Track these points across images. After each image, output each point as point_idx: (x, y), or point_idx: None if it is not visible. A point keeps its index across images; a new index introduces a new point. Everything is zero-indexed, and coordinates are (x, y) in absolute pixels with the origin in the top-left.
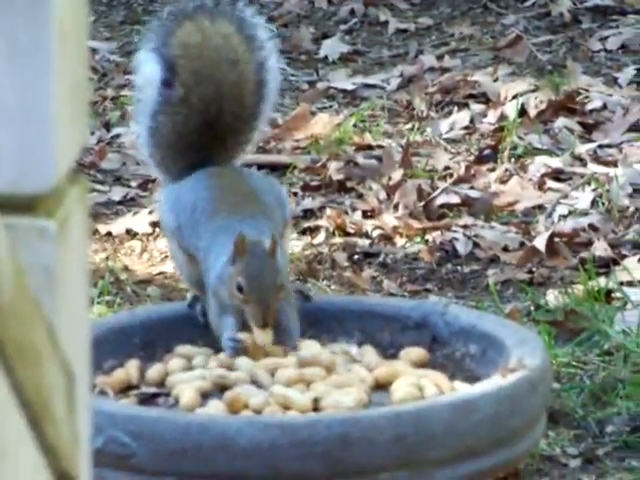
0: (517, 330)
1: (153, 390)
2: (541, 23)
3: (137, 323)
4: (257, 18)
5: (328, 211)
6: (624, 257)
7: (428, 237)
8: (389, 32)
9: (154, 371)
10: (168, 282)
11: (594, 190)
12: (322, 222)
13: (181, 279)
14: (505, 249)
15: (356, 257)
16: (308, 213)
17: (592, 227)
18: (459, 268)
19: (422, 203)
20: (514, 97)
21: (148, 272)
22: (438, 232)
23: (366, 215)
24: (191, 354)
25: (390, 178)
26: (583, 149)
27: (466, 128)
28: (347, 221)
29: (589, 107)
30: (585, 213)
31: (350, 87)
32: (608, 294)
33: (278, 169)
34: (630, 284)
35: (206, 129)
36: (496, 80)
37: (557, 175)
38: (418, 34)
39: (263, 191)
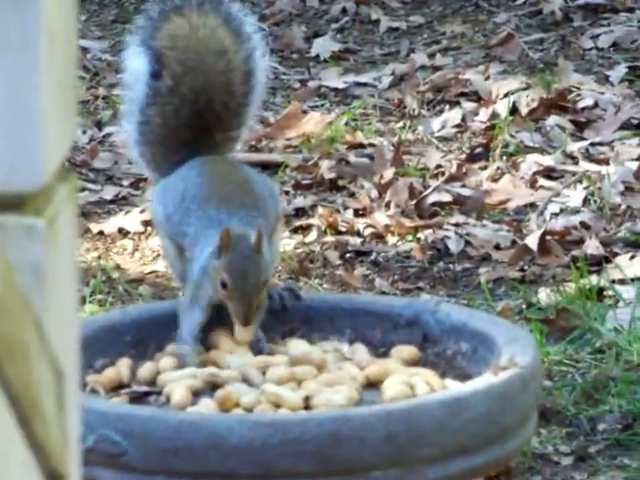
0: (508, 328)
1: (144, 389)
2: (532, 21)
3: (128, 322)
4: (244, 12)
5: (320, 210)
6: (616, 255)
7: (420, 235)
8: (381, 30)
9: (145, 370)
10: (160, 281)
11: (586, 188)
12: (314, 221)
13: (173, 277)
14: (497, 247)
15: (348, 255)
16: (300, 212)
17: (584, 225)
18: (451, 266)
19: (414, 201)
20: (506, 95)
21: (140, 271)
22: (430, 230)
23: (358, 213)
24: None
25: (382, 176)
26: (575, 147)
27: (458, 126)
28: (339, 219)
29: (581, 105)
30: (577, 211)
31: (342, 85)
32: (600, 292)
33: (270, 168)
34: (622, 282)
35: (196, 121)
36: (488, 78)
37: (549, 173)
38: (410, 32)
39: (256, 182)
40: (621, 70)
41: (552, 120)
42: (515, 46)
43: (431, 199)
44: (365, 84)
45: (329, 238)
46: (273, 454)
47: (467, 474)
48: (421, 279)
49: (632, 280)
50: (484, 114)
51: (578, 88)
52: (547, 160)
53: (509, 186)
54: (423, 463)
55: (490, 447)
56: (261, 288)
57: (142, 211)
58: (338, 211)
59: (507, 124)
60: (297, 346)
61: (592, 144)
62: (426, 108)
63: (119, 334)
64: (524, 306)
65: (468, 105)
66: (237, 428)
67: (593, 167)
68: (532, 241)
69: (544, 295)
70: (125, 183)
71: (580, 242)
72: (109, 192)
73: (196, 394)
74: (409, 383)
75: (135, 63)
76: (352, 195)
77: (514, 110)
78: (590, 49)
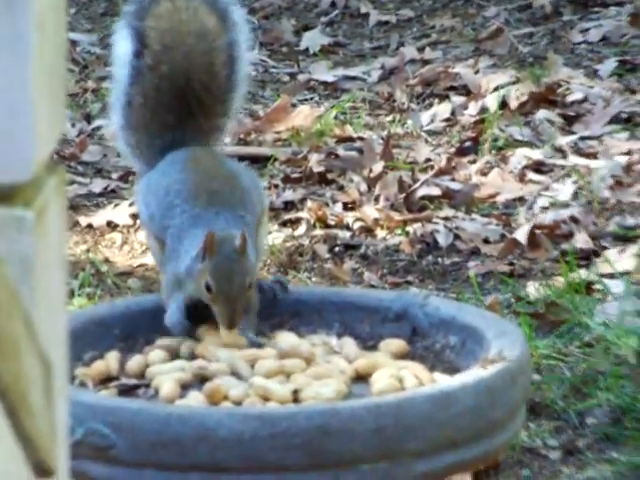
0: (497, 322)
1: (133, 382)
2: (522, 15)
3: (117, 315)
4: (233, 2)
5: (309, 203)
6: (605, 249)
7: (409, 229)
8: (370, 24)
9: (134, 362)
10: (149, 274)
11: (575, 182)
12: (303, 214)
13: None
14: (486, 241)
15: (337, 249)
16: (289, 205)
17: (573, 219)
18: (440, 260)
19: (403, 195)
20: (495, 89)
21: (129, 264)
22: (419, 224)
23: (347, 207)
24: (171, 346)
25: (371, 170)
26: (564, 141)
27: (447, 120)
28: (328, 213)
29: (570, 99)
30: (566, 205)
31: (331, 79)
32: (589, 286)
33: (259, 161)
34: (611, 276)
35: (178, 102)
36: (477, 72)
37: (538, 167)
38: (399, 26)
39: (242, 176)
40: (610, 64)
41: (541, 114)
42: (505, 40)
43: (420, 193)
44: (354, 78)
45: (318, 231)
46: (262, 447)
47: (455, 468)
48: (410, 273)
49: (621, 274)
50: (473, 108)
51: (567, 82)
52: (536, 154)
53: (498, 180)
54: (411, 456)
55: (479, 441)
56: (246, 290)
57: (131, 204)
58: (327, 205)
59: (496, 118)
60: (286, 339)
61: (581, 138)
62: (415, 102)
63: (108, 327)
64: (513, 300)
65: (457, 99)
66: (226, 421)
67: (582, 161)
68: (521, 235)
69: (533, 289)
70: (114, 176)
71: (569, 236)
72: (98, 185)
73: (185, 387)
74: (398, 376)
75: (121, 45)
76: (341, 189)
77: (503, 104)
78: (580, 43)
